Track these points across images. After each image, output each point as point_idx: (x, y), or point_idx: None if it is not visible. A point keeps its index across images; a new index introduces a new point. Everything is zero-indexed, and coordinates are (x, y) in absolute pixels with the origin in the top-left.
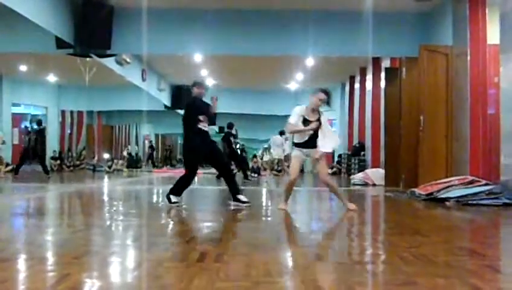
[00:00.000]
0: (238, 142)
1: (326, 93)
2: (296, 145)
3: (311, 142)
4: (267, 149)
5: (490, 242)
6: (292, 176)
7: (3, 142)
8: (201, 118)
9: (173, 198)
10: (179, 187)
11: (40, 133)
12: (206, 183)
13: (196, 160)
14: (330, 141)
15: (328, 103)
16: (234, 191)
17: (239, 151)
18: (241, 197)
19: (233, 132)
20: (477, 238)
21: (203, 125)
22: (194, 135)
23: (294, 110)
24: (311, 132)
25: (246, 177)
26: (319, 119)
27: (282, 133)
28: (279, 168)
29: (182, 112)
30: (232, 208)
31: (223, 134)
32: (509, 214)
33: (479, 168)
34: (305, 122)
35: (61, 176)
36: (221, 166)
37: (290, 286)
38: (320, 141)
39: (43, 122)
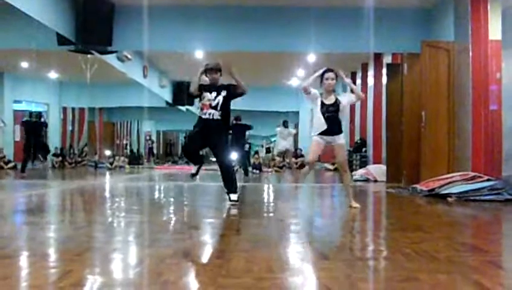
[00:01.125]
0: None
1: (330, 70)
2: (317, 134)
3: (333, 128)
4: (273, 142)
5: (492, 238)
6: (309, 157)
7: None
8: (201, 104)
9: (233, 196)
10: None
11: (39, 127)
12: (208, 179)
13: (189, 145)
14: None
15: (336, 77)
16: (229, 189)
17: (247, 147)
18: (233, 196)
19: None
20: (479, 234)
21: (202, 113)
22: (196, 122)
23: (315, 99)
24: (329, 117)
25: (246, 173)
26: (336, 103)
27: (285, 123)
28: (281, 165)
29: (183, 108)
30: (230, 205)
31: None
32: (511, 210)
33: (481, 164)
34: (323, 106)
35: (63, 173)
36: (220, 161)
37: (291, 282)
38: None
39: (42, 117)
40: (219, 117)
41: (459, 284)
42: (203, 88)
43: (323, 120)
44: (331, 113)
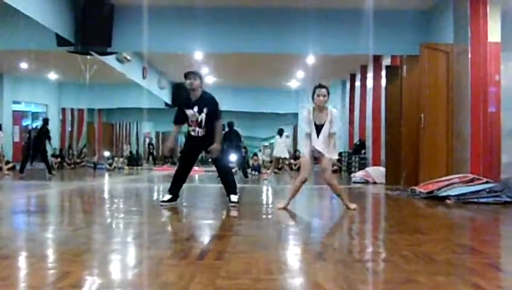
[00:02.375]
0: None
1: (323, 86)
2: (307, 151)
3: (320, 147)
4: (267, 147)
5: (491, 240)
6: (303, 174)
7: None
8: (189, 121)
9: (234, 197)
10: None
11: (43, 133)
12: (206, 181)
13: (184, 155)
14: (333, 151)
15: (328, 92)
16: (229, 191)
17: (243, 152)
18: (234, 197)
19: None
20: (478, 236)
21: (191, 129)
22: (187, 137)
23: (304, 116)
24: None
25: (245, 175)
26: (325, 123)
27: (280, 132)
28: (280, 166)
29: None
30: (230, 207)
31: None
32: (510, 212)
33: (480, 166)
34: (316, 125)
35: (62, 174)
36: (218, 167)
37: (290, 284)
38: (323, 144)
39: (47, 122)
40: (204, 133)
41: (457, 286)
42: (183, 106)
43: (314, 134)
44: (321, 133)
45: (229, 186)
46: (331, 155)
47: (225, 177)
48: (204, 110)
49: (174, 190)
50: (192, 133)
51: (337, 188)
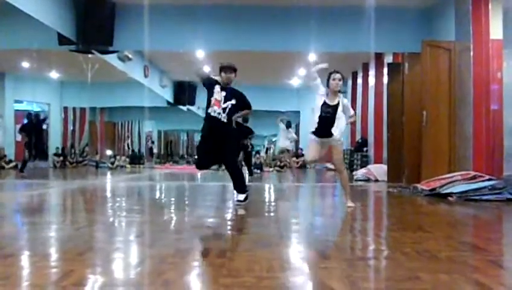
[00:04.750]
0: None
1: (337, 71)
2: (312, 133)
3: (324, 131)
4: (274, 142)
5: (493, 237)
6: (308, 157)
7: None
8: (213, 98)
9: (240, 196)
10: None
11: (36, 128)
12: (209, 179)
13: (200, 147)
14: (338, 127)
15: (342, 77)
16: (236, 188)
17: (249, 148)
18: (240, 196)
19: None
20: (480, 234)
21: (212, 109)
22: (204, 120)
23: (319, 91)
24: (325, 119)
25: (250, 173)
26: (337, 105)
27: (289, 123)
28: (282, 164)
29: (184, 108)
30: (236, 205)
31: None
32: None
33: (482, 164)
34: (324, 105)
35: (64, 173)
36: (226, 162)
37: (292, 282)
38: (333, 129)
39: (40, 117)
40: (225, 120)
41: (460, 283)
42: (216, 82)
43: (318, 120)
44: (326, 114)
45: (236, 184)
46: (339, 136)
47: (234, 176)
48: (233, 100)
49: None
50: (212, 114)
51: (345, 179)
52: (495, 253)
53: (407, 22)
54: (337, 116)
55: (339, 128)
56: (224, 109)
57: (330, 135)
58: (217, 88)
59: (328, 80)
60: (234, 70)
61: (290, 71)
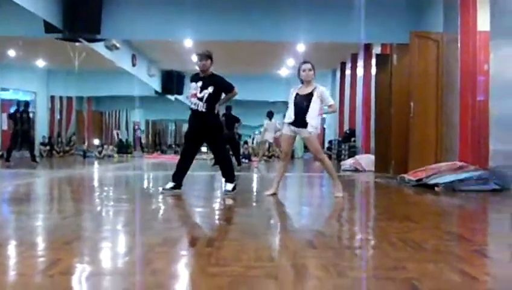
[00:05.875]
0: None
1: (306, 62)
2: (286, 122)
3: (299, 120)
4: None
5: (479, 227)
6: (281, 158)
7: None
8: (189, 94)
9: (229, 186)
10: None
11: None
12: (197, 169)
13: (187, 137)
14: (312, 120)
15: (312, 67)
16: (225, 178)
17: (237, 137)
18: (229, 185)
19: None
20: (466, 224)
21: (190, 102)
22: (189, 116)
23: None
24: (298, 109)
25: (239, 163)
26: (311, 94)
27: (270, 115)
28: (270, 154)
29: (172, 97)
30: (224, 195)
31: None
32: (498, 199)
33: (468, 154)
34: (297, 96)
35: (51, 162)
36: (216, 151)
37: (280, 271)
38: (308, 118)
39: (28, 106)
40: (203, 110)
41: (445, 273)
42: (194, 76)
43: (291, 110)
44: (299, 103)
45: (225, 173)
46: (311, 129)
47: (222, 163)
48: (210, 88)
49: (177, 177)
50: (192, 107)
51: (329, 166)
52: (480, 243)
53: (396, 12)
54: (311, 104)
55: (312, 117)
56: (201, 99)
57: (302, 125)
58: (193, 84)
59: (298, 73)
60: (208, 56)
61: (278, 61)
